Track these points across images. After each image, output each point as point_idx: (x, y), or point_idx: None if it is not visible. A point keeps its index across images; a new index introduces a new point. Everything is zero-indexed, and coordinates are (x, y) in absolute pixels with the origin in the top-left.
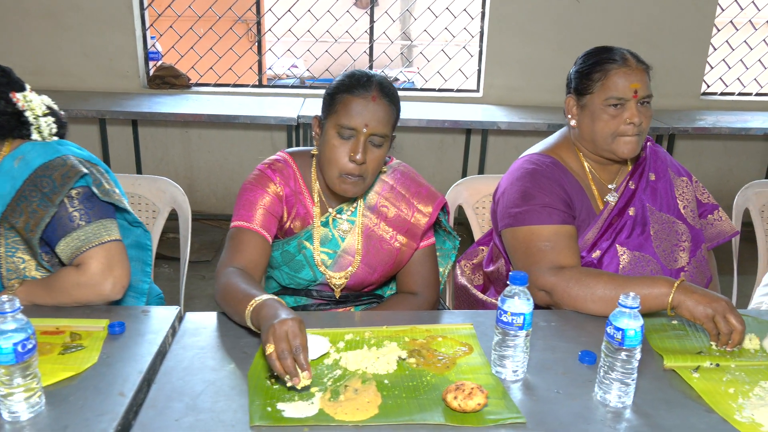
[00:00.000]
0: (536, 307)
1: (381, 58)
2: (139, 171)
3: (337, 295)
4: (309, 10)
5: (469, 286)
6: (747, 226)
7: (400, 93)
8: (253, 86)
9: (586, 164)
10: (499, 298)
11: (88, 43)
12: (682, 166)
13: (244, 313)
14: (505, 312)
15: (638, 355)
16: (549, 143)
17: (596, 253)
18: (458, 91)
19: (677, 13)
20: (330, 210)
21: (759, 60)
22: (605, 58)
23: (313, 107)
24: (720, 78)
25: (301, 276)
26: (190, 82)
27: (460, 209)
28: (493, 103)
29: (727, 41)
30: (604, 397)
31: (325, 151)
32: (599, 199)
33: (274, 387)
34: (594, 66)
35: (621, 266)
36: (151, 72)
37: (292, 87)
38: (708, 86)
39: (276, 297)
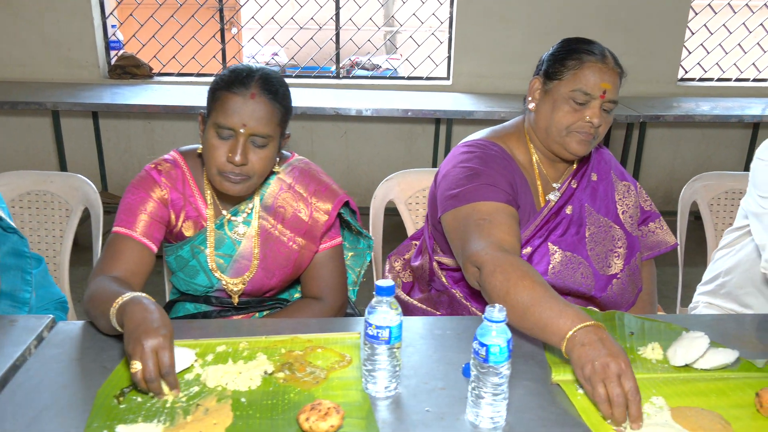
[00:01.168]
0: (472, 291)
1: (364, 46)
2: (101, 164)
3: (235, 302)
4: None
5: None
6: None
7: (372, 81)
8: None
9: (534, 158)
10: (367, 309)
11: (45, 32)
12: (627, 172)
13: (109, 313)
14: (370, 325)
15: (506, 372)
16: (497, 131)
17: (527, 250)
18: (428, 78)
19: None
20: (224, 212)
21: (738, 44)
22: (585, 49)
23: None
24: (698, 63)
25: (197, 282)
26: (153, 71)
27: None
28: (463, 91)
29: (705, 25)
30: (474, 416)
31: (205, 150)
32: (542, 196)
33: (121, 407)
34: (571, 53)
35: (551, 266)
36: (113, 61)
37: None
38: (686, 72)
39: (146, 296)
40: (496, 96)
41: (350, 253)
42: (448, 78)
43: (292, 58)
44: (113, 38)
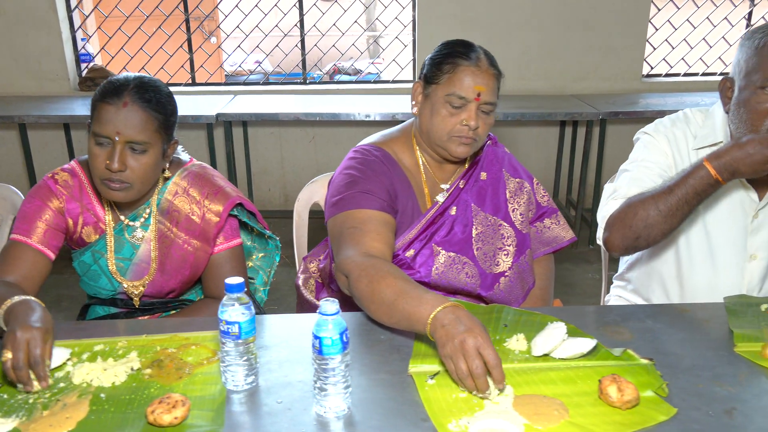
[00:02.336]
0: (346, 298)
1: (339, 52)
2: None
3: (137, 304)
4: (276, 5)
5: (300, 285)
6: None
7: (338, 86)
8: (186, 84)
9: (420, 161)
10: (219, 307)
11: (15, 46)
12: (524, 168)
13: None
14: (221, 321)
15: (340, 364)
16: (386, 135)
17: (410, 252)
18: (394, 82)
19: None
20: (122, 217)
21: (704, 39)
22: (459, 53)
23: (242, 104)
24: (664, 59)
25: (100, 285)
26: None
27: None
28: None
29: (668, 20)
30: (318, 407)
31: (89, 159)
32: (429, 197)
33: None
34: (446, 57)
35: (435, 267)
36: (84, 74)
37: (225, 84)
38: (652, 68)
39: (35, 299)
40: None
41: (260, 254)
42: (413, 81)
43: (278, 65)
44: (83, 51)
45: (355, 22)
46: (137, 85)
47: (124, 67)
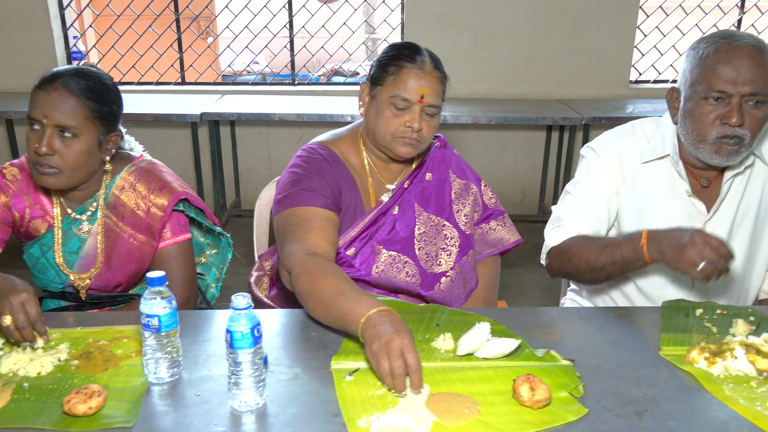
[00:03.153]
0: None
1: (340, 53)
2: None
3: (83, 297)
4: (265, 6)
5: (252, 282)
6: None
7: (326, 87)
8: (176, 83)
9: (366, 161)
10: (141, 300)
11: (5, 43)
12: (472, 169)
13: None
14: (142, 313)
15: (250, 358)
16: (334, 134)
17: (351, 250)
18: None
19: None
20: (70, 211)
21: None
22: (404, 55)
23: (230, 104)
24: (652, 65)
25: (48, 278)
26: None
27: None
28: None
29: (657, 27)
30: (232, 399)
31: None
32: (374, 197)
33: None
34: (392, 59)
35: (375, 265)
36: None
37: (214, 84)
38: (640, 74)
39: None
40: (446, 100)
41: (213, 251)
42: None
43: (267, 65)
44: (74, 49)
45: (344, 24)
46: (73, 73)
47: (114, 66)
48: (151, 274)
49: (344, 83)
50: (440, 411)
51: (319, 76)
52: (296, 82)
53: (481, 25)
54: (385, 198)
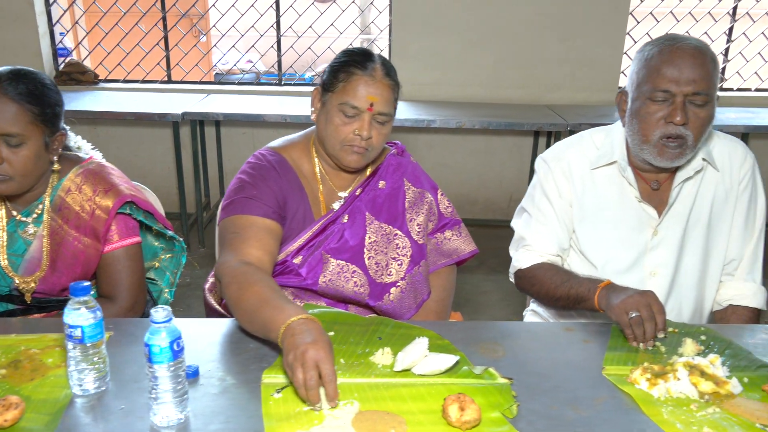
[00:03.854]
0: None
1: (329, 53)
2: None
3: (28, 300)
4: (253, 6)
5: (206, 289)
6: None
7: (312, 88)
8: (162, 82)
9: (318, 168)
10: (64, 309)
11: None
12: (429, 178)
13: None
14: (65, 324)
15: (170, 373)
16: (287, 140)
17: (298, 259)
18: None
19: (589, 3)
20: (15, 213)
21: None
22: (355, 62)
23: (215, 103)
24: None
25: None
26: (98, 78)
27: None
28: (402, 99)
29: (648, 33)
30: (153, 414)
31: None
32: (324, 205)
33: None
34: (343, 65)
35: (323, 274)
36: (61, 68)
37: (200, 83)
38: None
39: None
40: (433, 103)
41: (167, 255)
42: None
43: (254, 64)
44: (60, 45)
45: (332, 24)
46: (9, 77)
47: (100, 63)
48: (75, 285)
49: None
50: (365, 429)
51: (313, 76)
52: (282, 82)
53: (469, 29)
54: (336, 206)
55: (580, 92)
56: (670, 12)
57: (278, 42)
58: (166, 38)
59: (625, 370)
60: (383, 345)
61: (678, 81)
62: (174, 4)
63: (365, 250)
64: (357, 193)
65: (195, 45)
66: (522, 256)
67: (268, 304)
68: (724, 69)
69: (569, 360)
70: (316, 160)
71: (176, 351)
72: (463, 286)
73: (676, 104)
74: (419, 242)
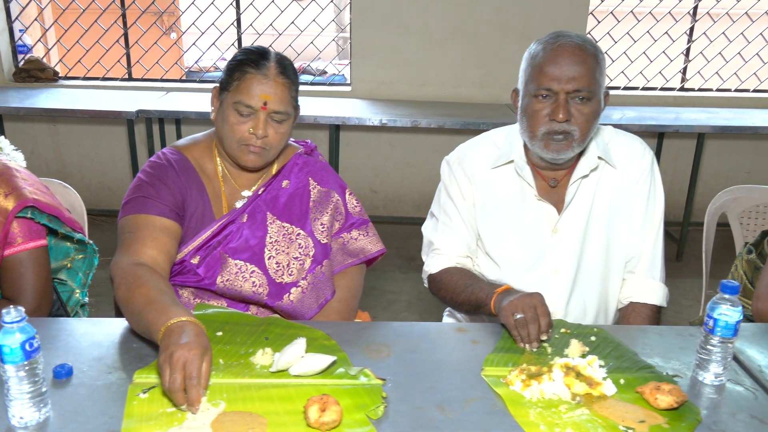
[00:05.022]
0: None
1: (309, 50)
2: None
3: None
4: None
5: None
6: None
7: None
8: (122, 79)
9: (220, 167)
10: None
11: None
12: (337, 177)
13: None
14: None
15: (21, 373)
16: (191, 139)
17: (196, 259)
18: (330, 84)
19: (548, 3)
20: None
21: (644, 53)
22: (249, 61)
23: (173, 101)
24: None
25: None
26: (58, 75)
27: None
28: (363, 98)
29: (608, 33)
30: (10, 417)
31: None
32: (226, 204)
33: None
34: (238, 64)
35: (221, 275)
36: (21, 65)
37: (161, 80)
38: None
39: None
40: (394, 102)
41: (79, 256)
42: (349, 84)
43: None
44: (20, 42)
45: (292, 22)
46: None
47: (60, 60)
48: None
49: (311, 83)
50: (222, 430)
51: None
52: None
53: (428, 28)
54: (238, 205)
55: None
56: (631, 12)
57: (239, 40)
58: (126, 35)
59: (504, 372)
60: (265, 345)
61: (559, 79)
62: (133, 2)
63: (266, 249)
64: (260, 192)
65: (155, 42)
66: (432, 261)
67: (152, 306)
68: (685, 69)
69: (452, 361)
70: (218, 159)
71: (29, 351)
72: (418, 286)
73: (558, 102)
74: (322, 242)
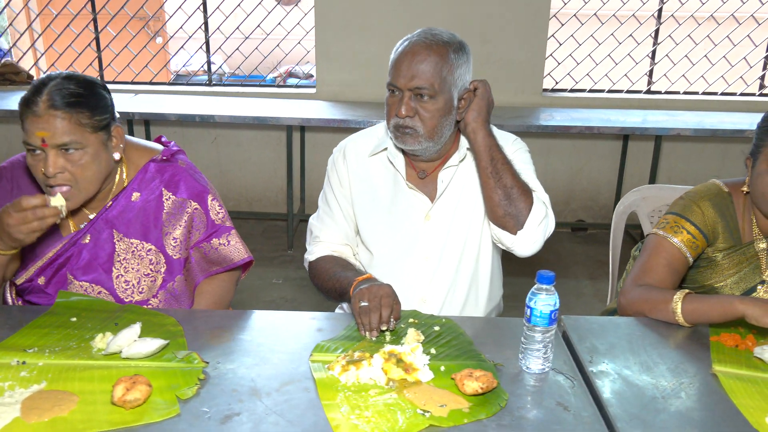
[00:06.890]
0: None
1: (295, 53)
2: None
3: None
4: (218, 8)
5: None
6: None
7: (245, 89)
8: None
9: None
10: None
11: None
12: (198, 184)
13: None
14: None
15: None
16: None
17: (42, 279)
18: (297, 86)
19: (508, 6)
20: None
21: (609, 55)
22: (24, 99)
23: (141, 104)
24: (568, 74)
25: None
26: (32, 78)
27: None
28: (327, 99)
29: (572, 36)
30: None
31: None
32: (73, 222)
33: None
34: (20, 104)
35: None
36: None
37: (131, 83)
38: (557, 82)
39: None
40: (358, 104)
41: None
42: (314, 86)
43: (256, 68)
44: None
45: (279, 24)
46: None
47: (35, 64)
48: None
49: (259, 85)
50: (31, 408)
51: (276, 77)
52: (212, 83)
53: (390, 30)
54: (84, 225)
55: (502, 94)
56: (594, 14)
57: (207, 43)
58: (97, 39)
59: (332, 357)
60: (107, 330)
61: (404, 77)
62: (104, 6)
63: (114, 268)
64: (108, 206)
65: (126, 46)
66: (313, 249)
67: None
68: (651, 72)
69: (289, 348)
70: None
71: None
72: None
73: (401, 98)
74: (175, 257)
